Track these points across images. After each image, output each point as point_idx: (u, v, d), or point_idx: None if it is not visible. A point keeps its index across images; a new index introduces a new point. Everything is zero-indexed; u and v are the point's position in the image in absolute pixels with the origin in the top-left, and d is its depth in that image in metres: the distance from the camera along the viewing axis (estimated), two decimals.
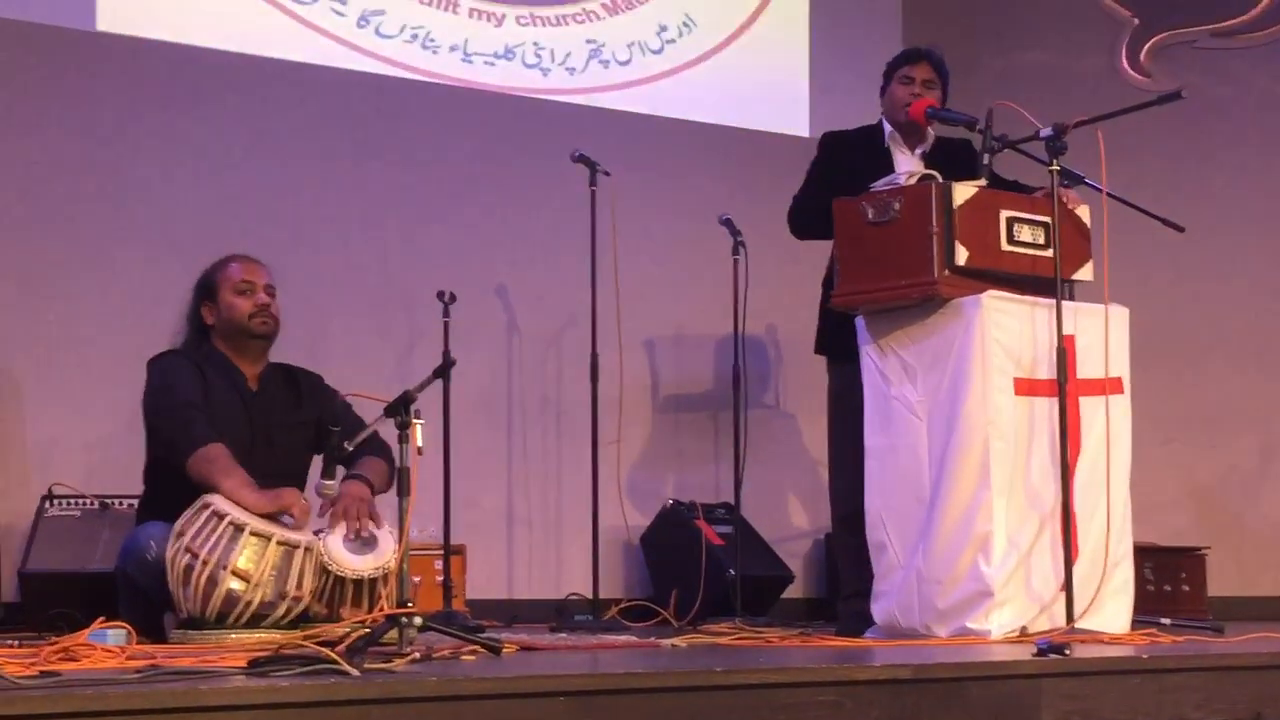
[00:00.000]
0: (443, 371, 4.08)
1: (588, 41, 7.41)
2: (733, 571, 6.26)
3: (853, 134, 5.53)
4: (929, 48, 5.53)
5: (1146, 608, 5.33)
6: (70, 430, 6.06)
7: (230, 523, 4.12)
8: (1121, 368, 4.77)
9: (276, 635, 3.93)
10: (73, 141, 6.30)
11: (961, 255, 4.57)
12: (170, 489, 4.37)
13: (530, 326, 7.06)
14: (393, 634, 3.42)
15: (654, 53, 7.57)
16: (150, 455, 4.59)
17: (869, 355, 4.80)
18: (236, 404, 4.57)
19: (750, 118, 7.70)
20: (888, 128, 5.44)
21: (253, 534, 4.11)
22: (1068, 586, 4.46)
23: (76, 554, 5.50)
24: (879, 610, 4.73)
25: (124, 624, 3.72)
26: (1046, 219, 4.71)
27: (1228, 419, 7.83)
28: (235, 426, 4.50)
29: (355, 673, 2.83)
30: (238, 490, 4.22)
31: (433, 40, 7.06)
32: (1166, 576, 6.98)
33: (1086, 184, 4.91)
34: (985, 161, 4.78)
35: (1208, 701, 3.53)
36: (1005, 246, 4.68)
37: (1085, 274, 4.82)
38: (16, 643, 3.92)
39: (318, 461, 4.55)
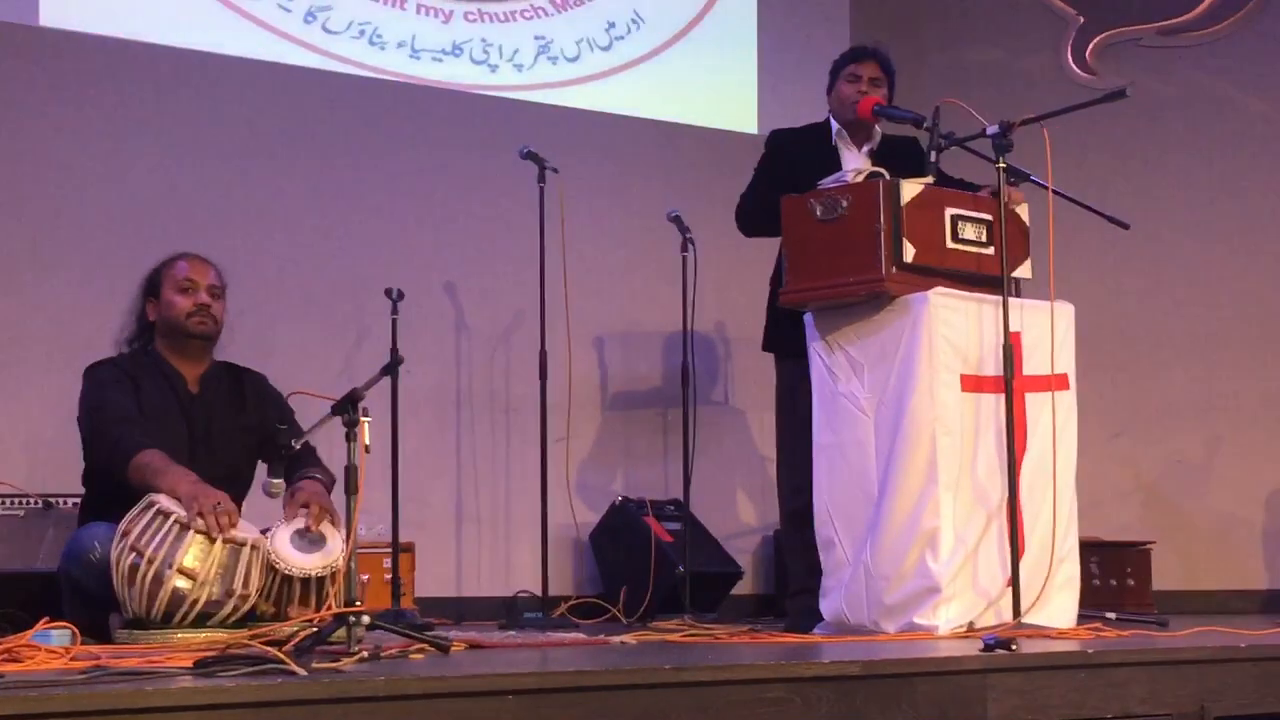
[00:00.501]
0: (390, 369, 4.07)
1: (536, 38, 7.40)
2: (682, 568, 6.27)
3: (800, 132, 5.54)
4: (875, 45, 5.55)
5: (1092, 602, 5.38)
6: (12, 429, 6.01)
7: (176, 521, 4.09)
8: (1067, 364, 4.80)
9: (223, 634, 3.91)
10: (15, 138, 6.24)
11: (909, 252, 4.59)
12: (111, 490, 4.33)
13: (478, 324, 7.04)
14: (341, 633, 3.40)
15: (602, 49, 7.56)
16: (88, 462, 4.56)
17: (817, 352, 4.81)
18: (174, 409, 4.53)
19: (699, 115, 7.71)
20: (835, 125, 5.45)
21: (199, 532, 4.08)
22: (1014, 582, 4.49)
23: (20, 553, 5.45)
24: (827, 606, 4.75)
25: (68, 624, 3.68)
26: (988, 217, 4.74)
27: (1173, 414, 7.90)
28: (174, 432, 4.47)
29: (302, 672, 2.82)
30: (175, 485, 4.18)
31: (380, 36, 7.04)
32: (1112, 571, 7.03)
33: (1032, 181, 4.93)
34: (932, 159, 4.81)
35: (1153, 695, 3.56)
36: (949, 244, 4.70)
37: (1024, 272, 4.86)
38: None
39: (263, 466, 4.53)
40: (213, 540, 4.08)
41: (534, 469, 6.21)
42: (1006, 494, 4.55)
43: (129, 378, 4.51)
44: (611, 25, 7.59)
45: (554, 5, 7.44)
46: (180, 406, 4.55)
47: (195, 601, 4.05)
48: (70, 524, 4.98)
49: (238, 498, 4.46)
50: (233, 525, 4.12)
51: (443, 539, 6.83)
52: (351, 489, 3.53)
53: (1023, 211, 4.89)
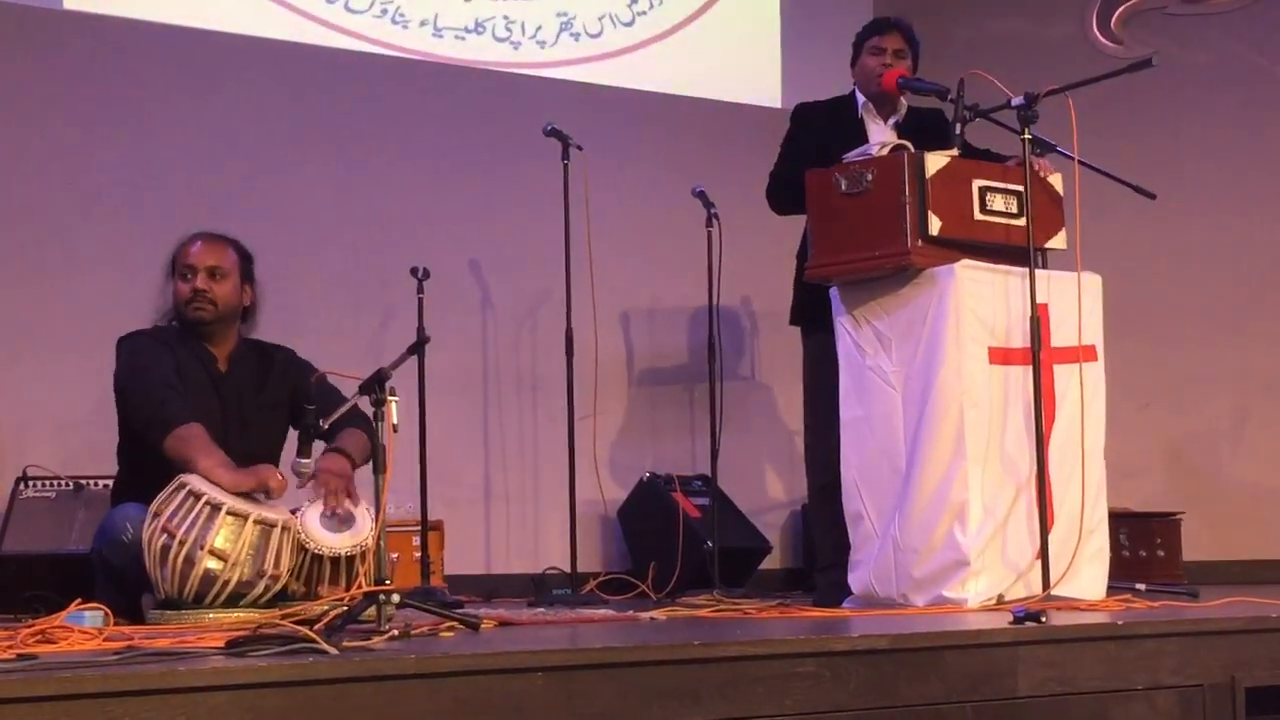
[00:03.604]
0: (417, 348, 4.08)
1: (558, 14, 7.39)
2: (710, 543, 6.27)
3: (825, 105, 5.53)
4: (898, 17, 5.53)
5: (1122, 574, 5.37)
6: (43, 412, 6.03)
7: (207, 502, 4.11)
8: (1095, 335, 4.78)
9: (254, 614, 3.93)
10: (42, 122, 6.26)
11: (934, 225, 4.57)
12: (144, 469, 4.36)
13: (504, 302, 7.05)
14: (371, 611, 3.42)
15: (625, 25, 7.55)
16: (123, 435, 4.57)
17: (843, 326, 4.80)
18: (206, 386, 4.55)
19: (722, 89, 7.69)
20: (860, 98, 5.43)
21: (229, 513, 4.10)
22: (1043, 554, 4.48)
23: (52, 535, 5.49)
24: (856, 580, 4.74)
25: (101, 605, 3.71)
26: (1019, 188, 4.71)
27: (1201, 383, 7.86)
28: (207, 409, 4.48)
29: (334, 651, 2.83)
30: (214, 469, 4.20)
31: (402, 15, 7.04)
32: (1142, 542, 7.01)
33: (1058, 152, 4.91)
34: (957, 131, 4.78)
35: (1183, 666, 3.55)
36: (978, 216, 4.68)
37: (1059, 242, 4.84)
38: None
39: (293, 437, 4.55)
40: (249, 521, 4.10)
41: (561, 446, 6.21)
42: (1035, 466, 4.54)
43: (166, 347, 4.53)
44: (634, 0, 7.57)
45: None
46: (212, 385, 4.57)
47: (227, 582, 4.08)
48: (101, 505, 5.01)
49: None
50: (283, 488, 4.18)
51: (471, 517, 6.85)
52: (380, 468, 3.54)
53: (1056, 181, 4.87)
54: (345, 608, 3.44)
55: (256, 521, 4.12)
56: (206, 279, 4.56)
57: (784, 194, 5.34)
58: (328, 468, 4.29)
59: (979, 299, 4.58)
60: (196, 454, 4.24)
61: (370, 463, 3.82)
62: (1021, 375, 4.61)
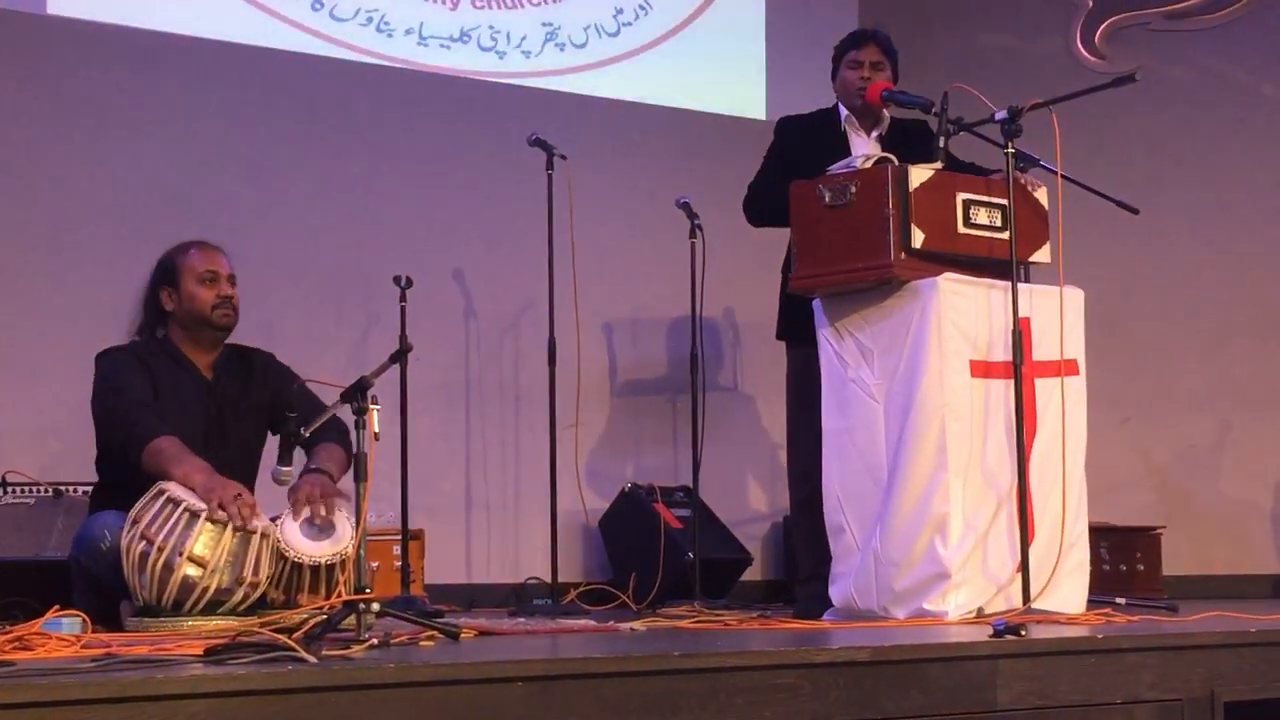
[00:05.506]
0: (400, 356, 4.07)
1: (544, 24, 7.40)
2: (691, 554, 6.27)
3: (809, 118, 5.53)
4: (874, 29, 5.54)
5: (1102, 588, 5.38)
6: (23, 417, 6.01)
7: (186, 509, 4.10)
8: (1077, 349, 4.79)
9: (233, 622, 3.92)
10: (23, 128, 6.24)
11: (918, 238, 4.58)
12: (123, 477, 4.35)
13: (487, 311, 7.04)
14: (350, 620, 3.41)
15: (610, 35, 7.55)
16: (101, 447, 4.57)
17: (826, 338, 4.80)
18: (188, 395, 4.54)
19: (707, 101, 7.71)
20: (843, 111, 5.44)
21: (209, 520, 4.09)
22: (1024, 567, 4.48)
23: (31, 542, 5.46)
24: (837, 592, 4.74)
25: (79, 612, 3.69)
26: (1003, 201, 4.72)
27: (1182, 399, 7.89)
28: (190, 418, 4.48)
29: (313, 660, 2.82)
30: (190, 475, 4.19)
31: (388, 24, 7.03)
32: (1122, 556, 7.03)
33: (1041, 166, 4.92)
34: (941, 144, 4.79)
35: (1162, 681, 3.55)
36: (962, 229, 4.69)
37: (1043, 256, 4.85)
38: None
39: (273, 442, 4.54)
40: (227, 529, 4.09)
41: (543, 456, 6.21)
42: (1016, 480, 4.55)
43: (143, 364, 4.52)
44: (620, 11, 7.58)
45: None
46: (194, 393, 4.56)
47: (205, 589, 4.07)
48: (80, 512, 4.99)
49: (250, 480, 4.48)
50: (254, 515, 4.14)
51: (452, 526, 6.83)
52: (361, 476, 3.54)
53: (1041, 196, 4.88)
54: (325, 616, 3.43)
55: (236, 529, 4.11)
56: (229, 285, 4.59)
57: (759, 206, 5.36)
58: (311, 484, 4.28)
59: (961, 312, 4.59)
60: (170, 464, 4.24)
61: (350, 472, 3.81)
62: (1003, 388, 4.61)
